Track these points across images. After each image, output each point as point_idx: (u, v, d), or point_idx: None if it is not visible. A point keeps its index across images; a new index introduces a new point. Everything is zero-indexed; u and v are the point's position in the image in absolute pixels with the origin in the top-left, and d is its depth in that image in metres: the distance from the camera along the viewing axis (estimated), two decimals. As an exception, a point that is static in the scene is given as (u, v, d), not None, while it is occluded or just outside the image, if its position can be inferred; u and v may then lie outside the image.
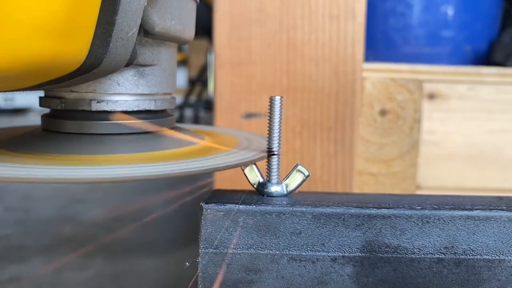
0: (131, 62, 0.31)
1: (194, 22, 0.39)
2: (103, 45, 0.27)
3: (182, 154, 0.33)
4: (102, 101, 0.33)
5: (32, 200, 0.98)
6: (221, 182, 0.60)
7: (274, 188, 0.32)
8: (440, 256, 0.29)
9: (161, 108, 0.36)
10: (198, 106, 2.46)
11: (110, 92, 0.33)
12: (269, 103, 0.32)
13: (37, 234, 0.81)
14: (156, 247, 0.73)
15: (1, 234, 0.80)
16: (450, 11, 0.67)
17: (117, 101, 0.33)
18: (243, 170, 0.32)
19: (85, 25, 0.25)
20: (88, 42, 0.26)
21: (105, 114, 0.33)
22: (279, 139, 0.32)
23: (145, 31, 0.32)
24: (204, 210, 0.29)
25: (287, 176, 0.32)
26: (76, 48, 0.25)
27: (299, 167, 0.32)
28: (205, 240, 0.29)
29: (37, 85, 0.29)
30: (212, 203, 0.30)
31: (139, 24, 0.29)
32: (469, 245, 0.29)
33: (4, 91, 0.29)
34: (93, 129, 0.33)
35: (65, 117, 0.34)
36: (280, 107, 0.32)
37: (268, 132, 0.32)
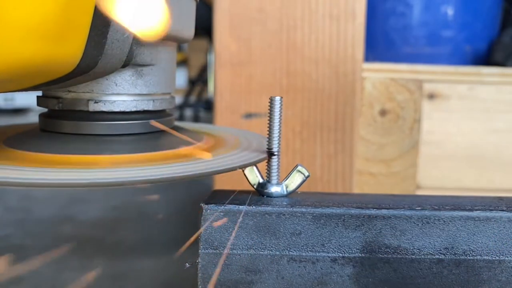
0: (127, 63, 0.31)
1: (193, 21, 0.38)
2: (98, 47, 0.27)
3: (181, 155, 0.33)
4: (100, 101, 0.33)
5: (32, 200, 0.98)
6: (221, 182, 0.60)
7: (274, 189, 0.32)
8: (440, 257, 0.29)
9: (160, 108, 0.36)
10: (198, 106, 2.46)
11: (107, 93, 0.33)
12: (269, 104, 0.32)
13: (37, 234, 0.80)
14: (156, 247, 0.73)
15: (1, 234, 0.80)
16: (450, 11, 0.67)
17: (114, 101, 0.33)
18: (243, 171, 0.32)
19: (79, 28, 0.25)
20: (82, 45, 0.26)
21: (103, 115, 0.33)
22: (279, 139, 0.32)
23: (144, 31, 0.32)
24: (204, 210, 0.29)
25: (287, 177, 0.32)
26: (70, 50, 0.25)
27: (299, 168, 0.32)
28: (205, 241, 0.29)
29: (31, 86, 0.29)
30: (212, 203, 0.30)
31: (137, 24, 0.29)
32: (469, 245, 0.29)
33: (0, 93, 0.29)
34: (90, 130, 0.33)
35: (63, 117, 0.34)
36: (280, 107, 0.32)
37: (268, 132, 0.32)
